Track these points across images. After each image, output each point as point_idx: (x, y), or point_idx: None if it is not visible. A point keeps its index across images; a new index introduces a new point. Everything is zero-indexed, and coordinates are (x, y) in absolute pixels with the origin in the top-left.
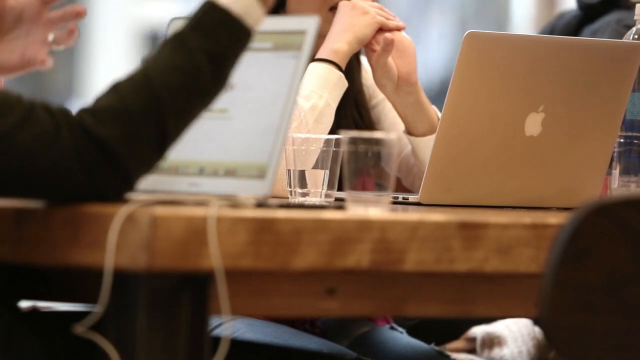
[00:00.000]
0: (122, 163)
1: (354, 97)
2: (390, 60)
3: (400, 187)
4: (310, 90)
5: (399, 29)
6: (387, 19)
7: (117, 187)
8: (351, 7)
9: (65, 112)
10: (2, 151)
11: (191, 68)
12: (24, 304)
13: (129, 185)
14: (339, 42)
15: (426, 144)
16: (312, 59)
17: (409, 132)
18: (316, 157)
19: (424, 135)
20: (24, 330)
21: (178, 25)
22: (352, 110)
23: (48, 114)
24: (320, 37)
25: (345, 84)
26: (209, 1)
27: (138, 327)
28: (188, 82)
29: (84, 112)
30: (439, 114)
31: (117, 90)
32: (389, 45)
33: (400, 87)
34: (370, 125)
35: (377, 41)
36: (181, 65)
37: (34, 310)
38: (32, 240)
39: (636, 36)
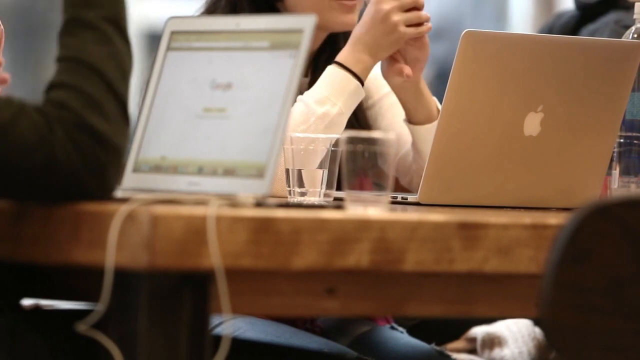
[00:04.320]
0: (112, 142)
1: None
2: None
3: (398, 187)
4: (324, 96)
5: (421, 34)
6: (417, 23)
7: (114, 170)
8: (381, 21)
9: (54, 109)
10: (1, 143)
11: (104, 37)
12: (27, 302)
13: (120, 163)
14: (363, 54)
15: (424, 133)
16: (334, 60)
17: (408, 120)
18: (321, 157)
19: (422, 123)
20: (26, 328)
21: (65, 17)
22: None
23: (38, 112)
24: (321, 29)
25: (362, 95)
26: None
27: (139, 325)
28: (107, 49)
29: (54, 106)
30: (439, 105)
31: (62, 83)
32: (407, 76)
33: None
34: (366, 125)
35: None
36: (95, 39)
37: (36, 309)
38: (32, 239)
39: (635, 35)
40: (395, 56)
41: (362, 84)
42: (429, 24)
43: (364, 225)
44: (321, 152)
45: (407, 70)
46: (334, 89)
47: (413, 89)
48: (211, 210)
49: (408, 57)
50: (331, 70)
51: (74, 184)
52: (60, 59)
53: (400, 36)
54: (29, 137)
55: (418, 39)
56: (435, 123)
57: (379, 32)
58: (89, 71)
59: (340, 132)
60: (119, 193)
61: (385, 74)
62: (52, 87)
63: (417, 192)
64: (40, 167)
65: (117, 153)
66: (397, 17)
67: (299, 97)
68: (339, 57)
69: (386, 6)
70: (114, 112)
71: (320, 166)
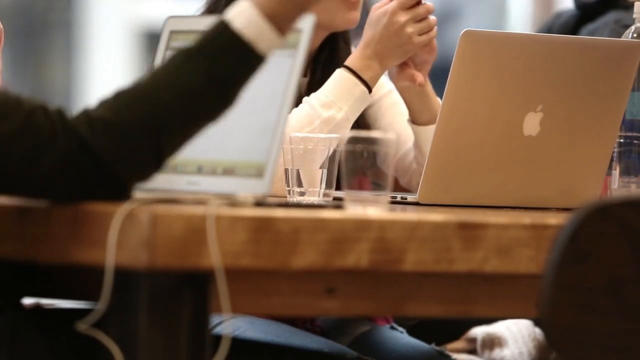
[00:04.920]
0: (116, 173)
1: None
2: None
3: (397, 187)
4: (330, 100)
5: (431, 40)
6: (427, 30)
7: (112, 195)
8: (395, 32)
9: (63, 118)
10: (4, 156)
11: (191, 90)
12: (27, 301)
13: (124, 193)
14: (374, 62)
15: (429, 134)
16: (343, 64)
17: (412, 120)
18: (322, 158)
19: (426, 124)
20: (27, 327)
21: (191, 40)
22: None
23: (46, 120)
24: (324, 28)
25: (368, 101)
26: (223, 21)
27: (140, 324)
28: (186, 104)
29: (82, 118)
30: None
31: (118, 100)
32: (420, 85)
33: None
34: (364, 125)
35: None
36: (182, 86)
37: (37, 308)
38: (34, 238)
39: (635, 35)
40: (406, 61)
41: (370, 90)
42: (436, 28)
43: (363, 225)
44: (322, 152)
45: (420, 78)
46: (341, 93)
47: (418, 90)
48: (211, 210)
49: (416, 60)
50: (340, 74)
51: (67, 199)
52: (149, 76)
53: (413, 47)
54: (30, 151)
55: (427, 44)
56: None
57: (392, 44)
58: (147, 115)
59: None
60: None
61: (395, 78)
62: (118, 94)
63: (416, 192)
64: (36, 181)
65: (120, 184)
66: (411, 29)
67: (305, 98)
68: (349, 62)
69: (402, 18)
70: (145, 155)
71: (320, 166)
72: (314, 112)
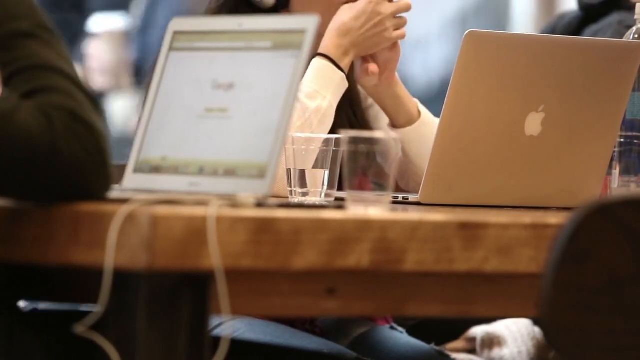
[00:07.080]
0: (104, 133)
1: (349, 96)
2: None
3: (397, 189)
4: (314, 90)
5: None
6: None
7: (111, 160)
8: (375, 24)
9: (47, 107)
10: (3, 132)
11: (43, 42)
12: (24, 303)
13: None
14: (351, 48)
15: (407, 136)
16: (318, 52)
17: (391, 124)
18: (315, 156)
19: (403, 127)
20: (24, 330)
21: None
22: (347, 110)
23: (34, 107)
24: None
25: (346, 85)
26: None
27: (138, 326)
28: (55, 51)
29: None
30: (420, 106)
31: (35, 91)
32: (372, 73)
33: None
34: (365, 125)
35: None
36: (39, 45)
37: (34, 310)
38: (31, 240)
39: (636, 36)
40: (366, 58)
41: (346, 75)
42: (405, 29)
43: (364, 225)
44: (323, 152)
45: (373, 67)
46: (323, 82)
47: (389, 93)
48: (211, 211)
49: (380, 59)
50: (318, 63)
51: (77, 173)
52: (17, 72)
53: (386, 40)
54: (30, 127)
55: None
56: (416, 125)
57: (370, 34)
58: (56, 73)
59: (330, 125)
60: (119, 193)
61: (358, 78)
62: (27, 95)
63: (417, 193)
64: (43, 155)
65: (109, 144)
66: (390, 22)
67: None
68: (325, 49)
69: (385, 11)
70: (90, 105)
71: (322, 166)
72: (302, 106)
